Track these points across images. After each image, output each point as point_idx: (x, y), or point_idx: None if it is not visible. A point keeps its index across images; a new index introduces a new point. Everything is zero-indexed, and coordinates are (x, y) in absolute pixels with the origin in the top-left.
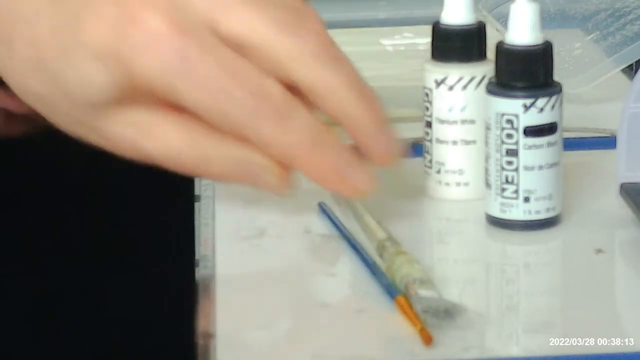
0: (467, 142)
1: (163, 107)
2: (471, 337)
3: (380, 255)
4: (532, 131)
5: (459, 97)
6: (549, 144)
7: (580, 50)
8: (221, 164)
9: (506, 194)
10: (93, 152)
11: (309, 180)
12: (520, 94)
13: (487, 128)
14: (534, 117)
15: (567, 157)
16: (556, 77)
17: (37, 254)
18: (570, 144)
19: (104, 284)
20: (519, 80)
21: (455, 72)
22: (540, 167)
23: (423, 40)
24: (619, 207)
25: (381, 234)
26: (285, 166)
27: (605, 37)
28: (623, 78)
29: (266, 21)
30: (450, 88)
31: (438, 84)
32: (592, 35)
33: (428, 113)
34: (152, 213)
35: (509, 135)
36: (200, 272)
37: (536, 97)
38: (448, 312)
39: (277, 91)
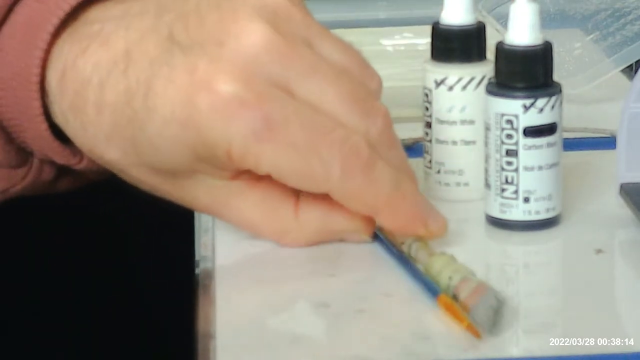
0: (466, 143)
1: (238, 175)
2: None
3: (408, 255)
4: (532, 131)
5: (459, 97)
6: (549, 145)
7: (580, 50)
8: (299, 237)
9: (506, 194)
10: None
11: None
12: (520, 94)
13: (487, 128)
14: (533, 118)
15: (567, 157)
16: (556, 77)
17: (37, 254)
18: (570, 144)
19: (104, 284)
20: (518, 81)
21: (455, 72)
22: (540, 168)
23: (423, 40)
24: (619, 207)
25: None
26: (367, 217)
27: (605, 37)
28: (623, 78)
29: (338, 95)
30: (450, 88)
31: (438, 84)
32: (592, 36)
33: (428, 113)
34: (153, 213)
35: (509, 136)
36: (200, 273)
37: (536, 98)
38: (498, 312)
39: (363, 144)
